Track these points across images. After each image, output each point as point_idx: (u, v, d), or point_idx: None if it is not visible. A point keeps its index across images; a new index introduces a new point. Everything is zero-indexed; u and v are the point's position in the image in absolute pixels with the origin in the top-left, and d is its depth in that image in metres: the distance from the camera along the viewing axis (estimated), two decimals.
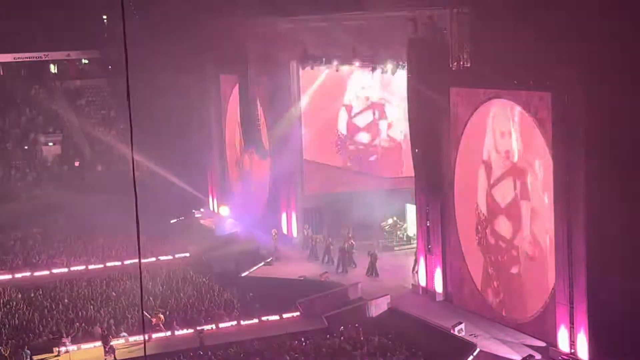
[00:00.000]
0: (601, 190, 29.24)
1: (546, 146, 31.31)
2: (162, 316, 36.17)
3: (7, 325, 36.70)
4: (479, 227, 35.80)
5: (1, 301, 40.06)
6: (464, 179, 36.55)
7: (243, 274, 43.73)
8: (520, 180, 33.30)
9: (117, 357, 33.57)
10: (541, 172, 32.13)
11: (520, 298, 33.87)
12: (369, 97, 49.08)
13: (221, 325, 36.39)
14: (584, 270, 29.84)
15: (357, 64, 43.51)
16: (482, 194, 35.53)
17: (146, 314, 35.70)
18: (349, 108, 49.19)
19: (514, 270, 34.05)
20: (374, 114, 49.39)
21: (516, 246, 33.85)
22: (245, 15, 47.91)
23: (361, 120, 49.44)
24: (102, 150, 64.26)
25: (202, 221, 56.27)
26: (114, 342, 34.19)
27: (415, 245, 41.54)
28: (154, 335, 35.22)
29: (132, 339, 34.74)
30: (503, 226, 34.44)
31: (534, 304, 32.99)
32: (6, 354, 33.68)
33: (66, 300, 39.56)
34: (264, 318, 36.74)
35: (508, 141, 33.70)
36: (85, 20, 65.94)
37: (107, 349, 33.79)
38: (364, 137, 49.57)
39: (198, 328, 35.51)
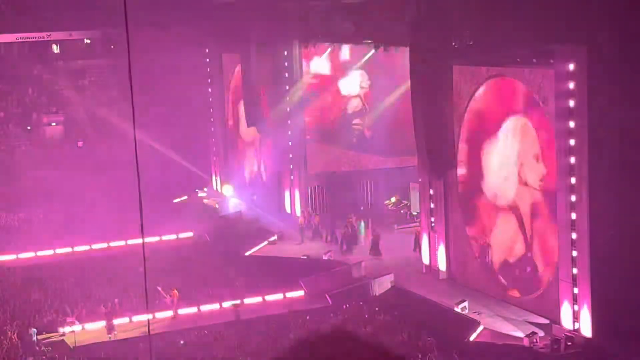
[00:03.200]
0: (605, 166, 29.23)
1: (549, 123, 31.29)
2: (176, 292, 36.45)
3: (12, 306, 36.83)
4: (481, 200, 35.86)
5: (6, 281, 40.19)
6: (467, 156, 36.51)
7: (247, 253, 43.79)
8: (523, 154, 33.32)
9: (120, 336, 33.72)
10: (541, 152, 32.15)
11: (523, 275, 33.90)
12: (367, 75, 48.85)
13: (224, 304, 36.51)
14: (587, 247, 29.87)
15: (358, 42, 43.28)
16: (485, 161, 35.56)
17: (161, 290, 35.94)
18: (350, 87, 48.99)
19: (517, 247, 34.07)
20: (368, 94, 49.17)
21: (518, 222, 33.87)
22: None
23: (359, 98, 49.27)
24: (105, 130, 64.18)
25: (205, 200, 56.28)
26: (118, 322, 34.35)
27: (417, 224, 41.60)
28: (161, 314, 35.34)
29: (135, 318, 34.89)
30: (507, 193, 34.49)
31: (537, 281, 33.03)
32: (12, 334, 33.82)
33: (71, 280, 39.68)
34: (267, 297, 36.83)
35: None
36: (87, 0, 65.62)
37: (108, 327, 33.99)
38: (363, 113, 49.39)
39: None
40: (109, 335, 33.98)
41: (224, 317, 35.16)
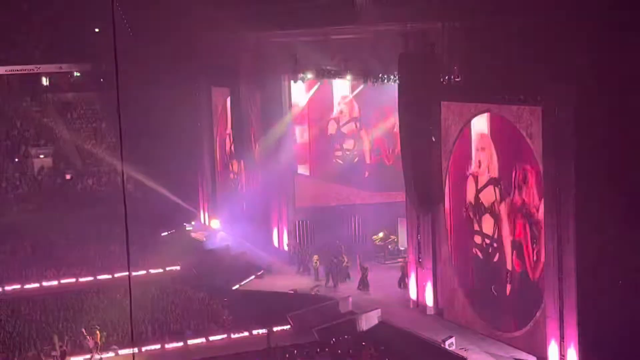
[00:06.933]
0: (591, 203, 29.33)
1: (536, 160, 31.43)
2: (98, 333, 34.95)
3: None
4: (470, 234, 35.91)
5: None
6: (454, 192, 36.62)
7: (234, 287, 43.66)
8: (504, 189, 33.44)
9: None
10: (528, 185, 32.27)
11: (510, 312, 33.88)
12: (354, 108, 49.27)
13: (211, 338, 36.34)
14: (574, 284, 29.89)
15: (348, 77, 43.50)
16: (470, 198, 35.71)
17: (84, 331, 35.25)
18: (337, 120, 49.35)
19: (505, 283, 34.07)
20: (357, 125, 49.54)
21: (506, 259, 33.92)
22: (237, 28, 47.97)
23: (347, 130, 49.59)
24: (93, 163, 64.18)
25: (192, 234, 56.14)
26: (105, 356, 34.15)
27: (403, 259, 41.60)
28: (148, 347, 35.10)
29: (122, 352, 34.65)
30: (488, 229, 34.56)
31: (524, 317, 33.00)
32: None
33: (56, 313, 39.45)
34: (254, 331, 36.69)
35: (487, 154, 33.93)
36: (77, 33, 65.91)
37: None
38: (350, 146, 49.69)
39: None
40: None
41: (211, 352, 34.96)
